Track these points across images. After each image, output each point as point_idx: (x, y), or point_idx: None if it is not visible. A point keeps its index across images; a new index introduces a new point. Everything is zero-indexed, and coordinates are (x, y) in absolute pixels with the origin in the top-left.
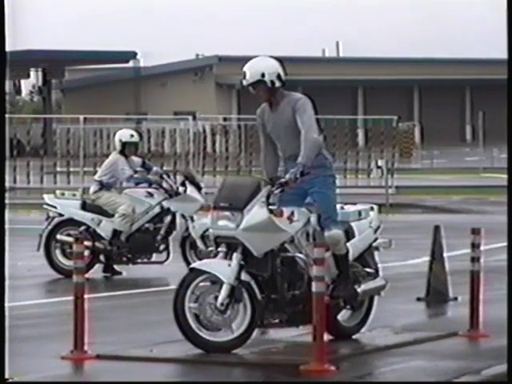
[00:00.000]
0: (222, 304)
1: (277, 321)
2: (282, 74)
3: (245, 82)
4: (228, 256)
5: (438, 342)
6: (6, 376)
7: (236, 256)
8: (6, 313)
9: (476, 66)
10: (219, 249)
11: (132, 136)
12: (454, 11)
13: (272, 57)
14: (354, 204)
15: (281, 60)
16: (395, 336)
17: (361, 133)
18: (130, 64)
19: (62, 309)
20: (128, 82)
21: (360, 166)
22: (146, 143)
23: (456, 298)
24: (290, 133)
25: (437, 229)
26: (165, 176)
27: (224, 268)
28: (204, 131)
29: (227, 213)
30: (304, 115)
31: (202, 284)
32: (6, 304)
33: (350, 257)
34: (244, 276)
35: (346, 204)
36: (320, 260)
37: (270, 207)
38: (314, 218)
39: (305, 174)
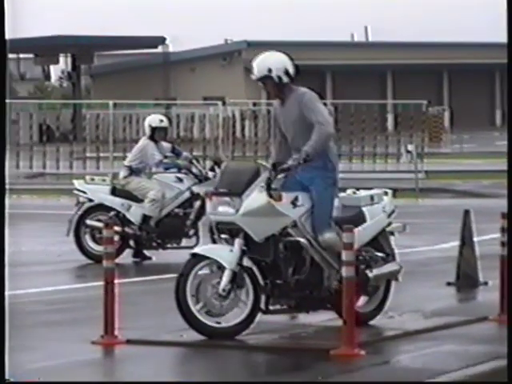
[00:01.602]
0: (223, 290)
1: (285, 306)
2: (290, 69)
3: (253, 77)
4: (230, 242)
5: (468, 327)
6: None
7: (238, 241)
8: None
9: (506, 49)
10: (222, 235)
11: (161, 121)
12: None
13: (283, 52)
14: (370, 189)
15: (290, 55)
16: (425, 320)
17: (390, 117)
18: (159, 49)
19: (92, 294)
20: (157, 67)
21: (389, 151)
22: (176, 128)
23: (486, 283)
24: (297, 127)
25: (467, 213)
26: (194, 161)
27: (226, 253)
28: (233, 116)
29: (226, 198)
30: (316, 109)
31: (201, 272)
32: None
33: (357, 242)
34: (246, 261)
35: (358, 189)
36: (349, 244)
37: (272, 191)
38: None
39: (308, 161)
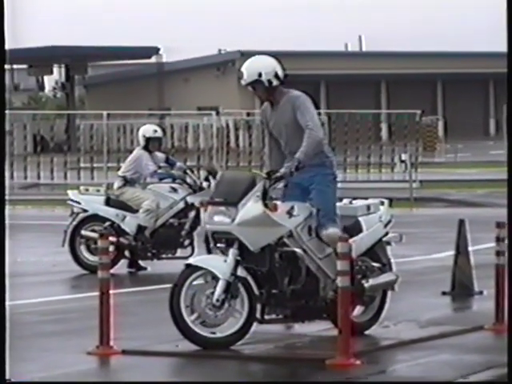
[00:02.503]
0: (217, 300)
1: (280, 316)
2: (279, 72)
3: (243, 82)
4: (226, 251)
5: (464, 336)
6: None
7: (232, 252)
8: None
9: (500, 59)
10: (218, 245)
11: (155, 131)
12: (476, 5)
13: (270, 54)
14: (366, 199)
15: (278, 58)
16: (420, 330)
17: (384, 127)
18: (153, 60)
19: (88, 304)
20: (151, 77)
21: (384, 161)
22: (170, 139)
23: (481, 292)
24: (290, 130)
25: (461, 222)
26: (188, 171)
27: (220, 264)
28: (227, 126)
29: (222, 208)
30: (307, 114)
31: (195, 282)
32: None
33: (354, 253)
34: (240, 271)
35: (354, 199)
36: (344, 254)
37: (267, 201)
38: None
39: (300, 169)
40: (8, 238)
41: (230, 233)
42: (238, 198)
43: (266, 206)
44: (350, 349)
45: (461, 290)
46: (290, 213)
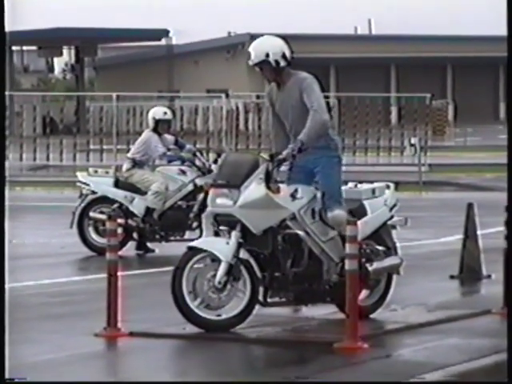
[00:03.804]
0: (219, 282)
1: (283, 299)
2: (287, 53)
3: (250, 63)
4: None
5: (472, 320)
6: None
7: (234, 234)
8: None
9: (507, 43)
10: (221, 227)
11: (165, 113)
12: None
13: (279, 35)
14: (372, 182)
15: (286, 39)
16: (428, 314)
17: (394, 110)
18: (163, 42)
19: (95, 286)
20: (161, 59)
21: (393, 144)
22: (179, 121)
23: (489, 276)
24: (296, 112)
25: (470, 206)
26: (197, 154)
27: (222, 246)
28: (237, 109)
29: (225, 190)
30: (312, 95)
31: (196, 266)
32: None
33: (358, 236)
34: (243, 254)
35: (360, 182)
36: (352, 237)
37: (270, 184)
38: (320, 196)
39: (303, 151)
40: (17, 220)
41: (232, 215)
42: (241, 181)
43: (268, 188)
44: (358, 332)
45: (469, 273)
46: (293, 195)
